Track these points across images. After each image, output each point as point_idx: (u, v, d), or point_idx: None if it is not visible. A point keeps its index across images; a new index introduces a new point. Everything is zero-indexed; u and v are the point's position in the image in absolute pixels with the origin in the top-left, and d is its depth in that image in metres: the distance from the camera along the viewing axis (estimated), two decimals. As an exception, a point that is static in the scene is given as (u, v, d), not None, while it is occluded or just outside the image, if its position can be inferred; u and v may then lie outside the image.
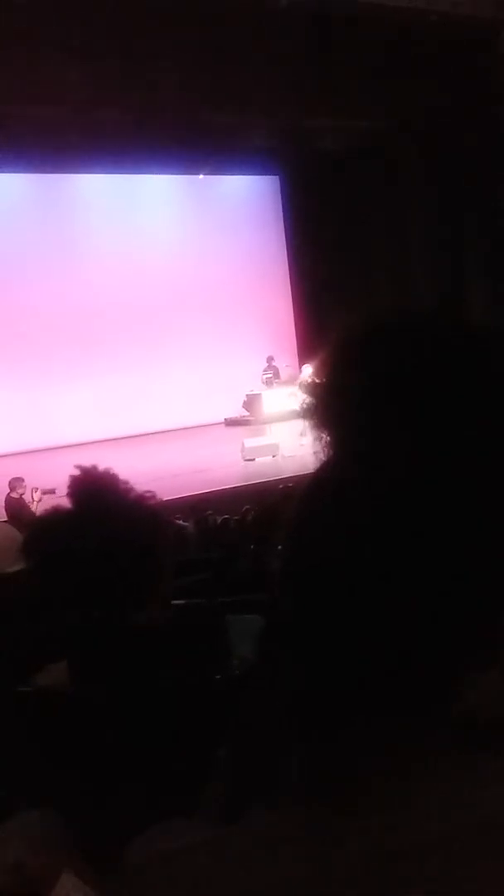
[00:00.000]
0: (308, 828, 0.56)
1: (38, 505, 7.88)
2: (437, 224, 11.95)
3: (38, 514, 7.71)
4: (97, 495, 1.50)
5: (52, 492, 7.94)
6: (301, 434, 0.64)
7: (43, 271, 13.39)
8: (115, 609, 1.40)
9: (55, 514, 1.60)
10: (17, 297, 13.11)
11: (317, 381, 0.60)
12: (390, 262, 12.45)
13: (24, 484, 8.35)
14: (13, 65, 8.68)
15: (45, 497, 7.88)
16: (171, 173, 14.04)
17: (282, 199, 15.22)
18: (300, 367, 12.72)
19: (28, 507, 7.98)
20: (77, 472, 1.52)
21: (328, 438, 0.59)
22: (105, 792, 1.20)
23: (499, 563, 0.54)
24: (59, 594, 1.44)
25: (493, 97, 10.75)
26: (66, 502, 1.59)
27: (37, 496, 8.07)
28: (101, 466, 1.53)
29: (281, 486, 7.25)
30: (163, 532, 1.58)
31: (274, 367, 13.81)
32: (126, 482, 1.54)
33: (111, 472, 1.56)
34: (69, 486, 1.54)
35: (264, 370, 13.73)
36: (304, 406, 0.60)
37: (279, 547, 0.61)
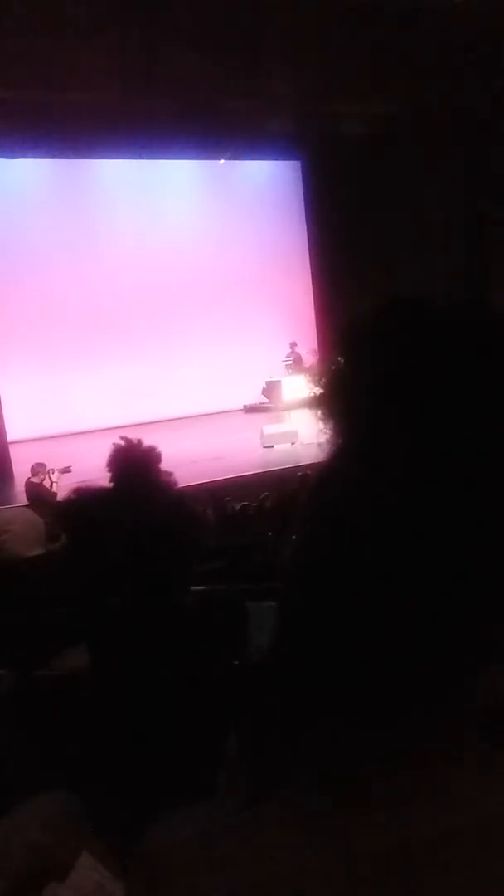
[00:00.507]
0: (322, 817, 0.56)
1: (56, 485, 7.98)
2: (459, 209, 11.81)
3: (56, 493, 7.82)
4: (138, 471, 1.49)
5: (67, 470, 8.04)
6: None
7: (63, 257, 13.42)
8: (141, 591, 1.40)
9: (92, 489, 1.58)
10: (38, 283, 13.15)
11: (324, 371, 0.59)
12: (411, 247, 12.32)
13: (45, 469, 8.44)
14: (34, 50, 8.66)
15: (63, 476, 7.98)
16: (192, 158, 13.98)
17: (303, 184, 15.10)
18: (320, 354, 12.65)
19: (48, 490, 8.06)
20: (121, 444, 1.51)
21: (335, 429, 0.58)
22: (124, 775, 1.21)
23: None
24: (90, 571, 1.44)
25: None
26: (87, 480, 1.58)
27: (55, 477, 8.14)
28: (146, 443, 1.52)
29: (300, 474, 7.24)
30: (198, 516, 1.57)
31: (296, 353, 13.76)
32: (162, 464, 1.53)
33: (156, 449, 1.54)
34: (111, 457, 1.53)
35: (286, 356, 13.68)
36: (312, 396, 0.60)
37: (291, 538, 0.61)
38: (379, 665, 0.55)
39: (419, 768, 0.56)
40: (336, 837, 0.55)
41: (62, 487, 7.92)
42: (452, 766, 0.55)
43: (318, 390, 0.61)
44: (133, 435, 2.20)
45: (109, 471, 1.55)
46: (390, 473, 0.54)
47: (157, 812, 0.65)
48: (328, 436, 0.60)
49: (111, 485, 1.50)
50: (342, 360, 0.60)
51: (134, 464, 1.51)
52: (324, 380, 0.61)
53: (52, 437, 12.00)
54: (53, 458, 8.71)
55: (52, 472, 8.23)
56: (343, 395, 0.59)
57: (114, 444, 1.53)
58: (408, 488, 0.53)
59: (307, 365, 13.20)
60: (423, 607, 0.53)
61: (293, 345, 13.83)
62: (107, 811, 0.87)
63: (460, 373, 0.55)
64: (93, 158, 13.26)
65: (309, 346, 13.89)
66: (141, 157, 13.46)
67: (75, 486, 1.54)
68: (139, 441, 1.53)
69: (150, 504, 1.43)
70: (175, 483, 1.50)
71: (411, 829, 0.54)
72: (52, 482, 8.15)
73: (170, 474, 1.50)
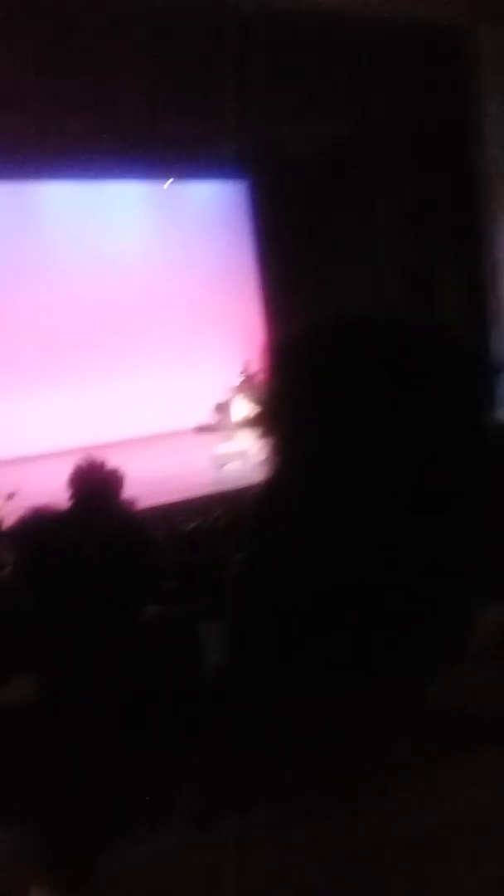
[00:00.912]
0: (282, 834, 0.56)
1: (2, 509, 7.83)
2: (409, 231, 12.06)
3: (1, 519, 7.69)
4: (100, 493, 1.47)
5: (12, 496, 7.88)
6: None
7: (6, 279, 13.26)
8: (96, 615, 1.37)
9: (50, 510, 1.54)
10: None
11: (265, 388, 0.60)
12: (358, 267, 12.54)
13: (-11, 493, 8.27)
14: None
15: (8, 502, 7.83)
16: (136, 180, 14.00)
17: (250, 204, 15.25)
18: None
19: (-9, 515, 7.91)
20: (83, 464, 1.48)
21: (276, 446, 0.59)
22: (74, 803, 1.17)
23: (454, 560, 0.54)
24: (43, 594, 1.40)
25: (466, 103, 10.89)
26: (34, 505, 1.55)
27: (0, 502, 8.00)
28: (108, 464, 1.49)
29: (251, 493, 7.24)
30: (156, 540, 1.56)
31: (248, 373, 13.84)
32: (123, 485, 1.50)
33: (118, 472, 1.52)
34: (72, 476, 1.50)
35: (238, 375, 13.76)
36: (254, 414, 0.60)
37: (237, 556, 0.61)
38: (330, 678, 0.55)
39: (375, 781, 0.56)
40: (294, 853, 0.55)
41: (8, 514, 7.77)
42: (408, 772, 0.55)
43: (259, 407, 0.62)
44: (80, 458, 2.17)
45: (70, 491, 1.52)
46: (330, 488, 0.55)
47: (109, 839, 0.63)
48: (270, 452, 0.61)
49: (71, 506, 1.47)
50: (281, 377, 0.61)
51: (95, 485, 1.49)
52: (264, 397, 0.62)
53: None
54: (-1, 482, 8.55)
55: (-1, 498, 8.09)
56: (282, 412, 0.60)
57: (76, 463, 1.51)
58: (349, 503, 0.54)
59: (256, 385, 13.29)
60: (371, 617, 0.54)
61: (245, 364, 13.90)
62: (59, 841, 0.84)
63: (400, 390, 0.56)
64: (36, 181, 13.17)
65: (256, 366, 13.98)
66: (84, 180, 13.43)
67: (33, 506, 1.50)
68: (102, 462, 1.51)
69: (110, 527, 1.41)
70: (135, 507, 1.49)
71: (369, 844, 0.53)
72: (-4, 507, 8.00)
73: (131, 499, 1.49)
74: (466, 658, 0.59)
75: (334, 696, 0.56)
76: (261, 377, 13.42)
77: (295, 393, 0.59)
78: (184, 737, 1.19)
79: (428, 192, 11.65)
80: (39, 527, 1.46)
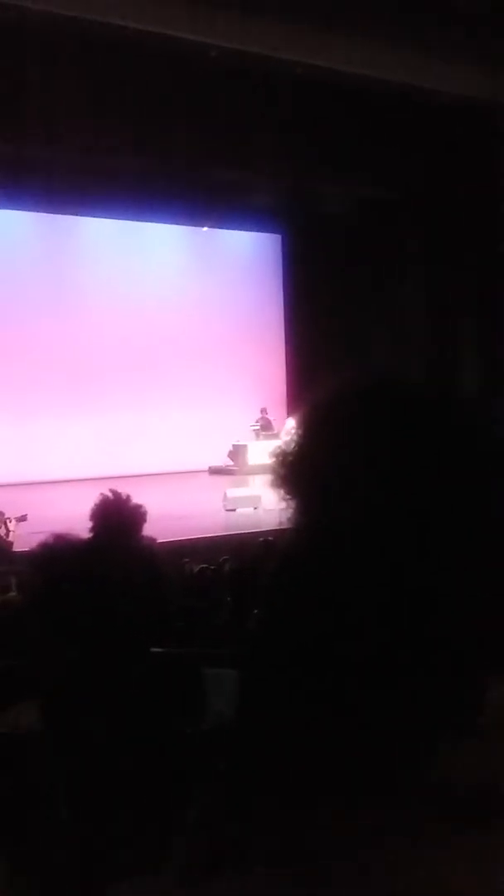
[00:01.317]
0: (276, 890, 0.55)
1: (14, 533, 7.87)
2: (436, 295, 12.20)
3: (12, 542, 7.72)
4: (122, 527, 1.47)
5: (24, 518, 7.94)
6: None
7: (39, 309, 13.49)
8: (104, 648, 1.36)
9: (70, 538, 1.54)
10: (11, 332, 13.17)
11: (292, 446, 0.60)
12: (385, 328, 12.66)
13: (3, 517, 8.33)
14: (27, 104, 8.89)
15: (20, 524, 7.89)
16: (176, 223, 14.30)
17: (283, 257, 15.50)
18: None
19: (3, 538, 7.95)
20: (109, 497, 1.49)
21: (302, 505, 0.59)
22: (67, 844, 1.16)
23: (472, 630, 0.55)
24: (54, 622, 1.39)
25: (493, 174, 11.12)
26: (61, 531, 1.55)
27: (11, 525, 8.03)
28: (133, 499, 1.50)
29: (261, 539, 7.21)
30: (169, 578, 1.55)
31: (266, 418, 13.88)
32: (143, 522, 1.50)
33: (142, 508, 1.52)
34: (97, 507, 1.51)
35: (255, 421, 13.80)
36: (274, 472, 0.61)
37: (255, 611, 0.61)
38: (339, 741, 0.55)
39: (379, 847, 0.55)
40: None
41: (18, 536, 7.80)
42: (413, 843, 0.55)
43: (284, 465, 0.62)
44: (97, 488, 2.18)
45: (93, 521, 1.53)
46: (352, 552, 0.55)
47: (103, 884, 0.62)
48: (294, 510, 0.61)
49: (92, 536, 1.48)
50: (311, 438, 0.62)
51: (119, 519, 1.49)
52: (292, 455, 0.62)
53: (9, 484, 11.82)
54: (9, 506, 8.59)
55: (10, 521, 8.13)
56: (306, 472, 0.61)
57: (101, 494, 1.52)
58: (370, 568, 0.54)
59: (275, 431, 13.32)
60: (385, 683, 0.54)
61: (264, 410, 13.96)
62: (50, 882, 0.83)
63: (426, 455, 0.57)
64: (77, 215, 13.50)
65: (278, 413, 14.05)
66: (125, 218, 13.74)
67: (54, 533, 1.50)
68: (128, 496, 1.52)
69: (128, 562, 1.41)
70: (154, 544, 1.48)
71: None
72: (8, 531, 8.03)
73: (150, 537, 1.49)
74: (477, 729, 0.59)
75: (341, 758, 0.56)
76: (279, 426, 13.50)
77: (320, 454, 0.59)
78: (182, 784, 1.18)
79: (454, 258, 11.81)
80: (59, 553, 1.46)
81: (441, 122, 10.75)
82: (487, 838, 0.55)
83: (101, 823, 1.22)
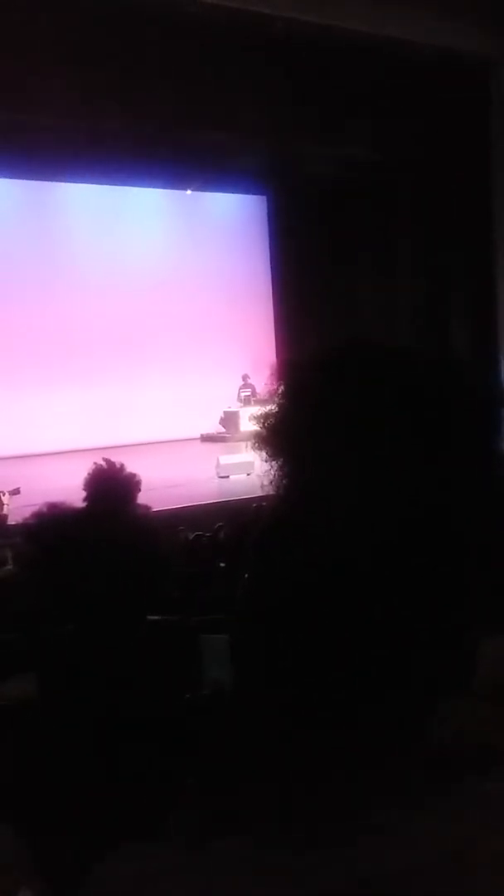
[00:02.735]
0: (275, 856, 0.55)
1: (8, 507, 7.87)
2: (423, 256, 12.09)
3: (7, 515, 7.73)
4: (117, 496, 1.47)
5: (16, 491, 7.94)
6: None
7: (24, 277, 13.33)
8: (100, 618, 1.36)
9: (65, 508, 1.53)
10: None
11: (275, 409, 0.60)
12: (372, 289, 12.58)
13: (-3, 489, 8.32)
14: (3, 67, 8.68)
15: (13, 498, 7.89)
16: (159, 187, 14.09)
17: (268, 219, 15.32)
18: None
19: (-3, 511, 7.96)
20: (103, 465, 1.48)
21: (285, 467, 0.59)
22: (68, 811, 1.17)
23: (462, 589, 0.54)
24: (50, 593, 1.39)
25: (485, 135, 10.95)
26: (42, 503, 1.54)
27: (5, 499, 8.03)
28: (126, 468, 1.49)
29: (255, 505, 7.22)
30: (166, 547, 1.55)
31: (251, 384, 13.83)
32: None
33: (136, 477, 1.52)
34: (90, 477, 1.50)
35: (241, 387, 13.74)
36: (261, 434, 0.60)
37: (244, 574, 0.61)
38: (331, 702, 0.54)
39: (373, 808, 0.55)
40: (285, 878, 0.54)
41: (12, 510, 7.80)
42: (405, 805, 0.55)
43: (266, 426, 0.62)
44: (90, 459, 2.17)
45: (87, 490, 1.52)
46: (338, 514, 0.55)
47: (101, 851, 0.63)
48: (278, 472, 0.61)
49: (86, 505, 1.47)
50: (291, 400, 0.61)
51: (112, 487, 1.49)
52: (274, 418, 0.62)
53: (3, 458, 11.79)
54: (1, 480, 8.58)
55: (3, 495, 8.12)
56: (291, 435, 0.60)
57: (95, 464, 1.51)
58: (356, 529, 0.54)
59: (263, 395, 13.26)
60: (375, 643, 0.53)
61: (245, 377, 13.91)
62: (48, 848, 0.84)
63: (411, 414, 0.56)
64: (59, 181, 13.27)
65: (265, 378, 13.94)
66: (108, 183, 13.52)
67: (48, 503, 1.49)
68: (122, 465, 1.51)
69: (123, 530, 1.40)
70: (149, 513, 1.48)
71: (363, 869, 0.53)
72: (1, 504, 8.03)
73: (145, 504, 1.49)
74: (471, 689, 0.59)
75: (334, 721, 0.56)
76: (268, 391, 13.39)
77: (304, 417, 0.59)
78: (180, 751, 1.19)
79: (444, 222, 11.69)
80: (54, 522, 1.45)
81: (430, 80, 10.54)
82: (486, 797, 0.56)
83: (99, 792, 1.23)
